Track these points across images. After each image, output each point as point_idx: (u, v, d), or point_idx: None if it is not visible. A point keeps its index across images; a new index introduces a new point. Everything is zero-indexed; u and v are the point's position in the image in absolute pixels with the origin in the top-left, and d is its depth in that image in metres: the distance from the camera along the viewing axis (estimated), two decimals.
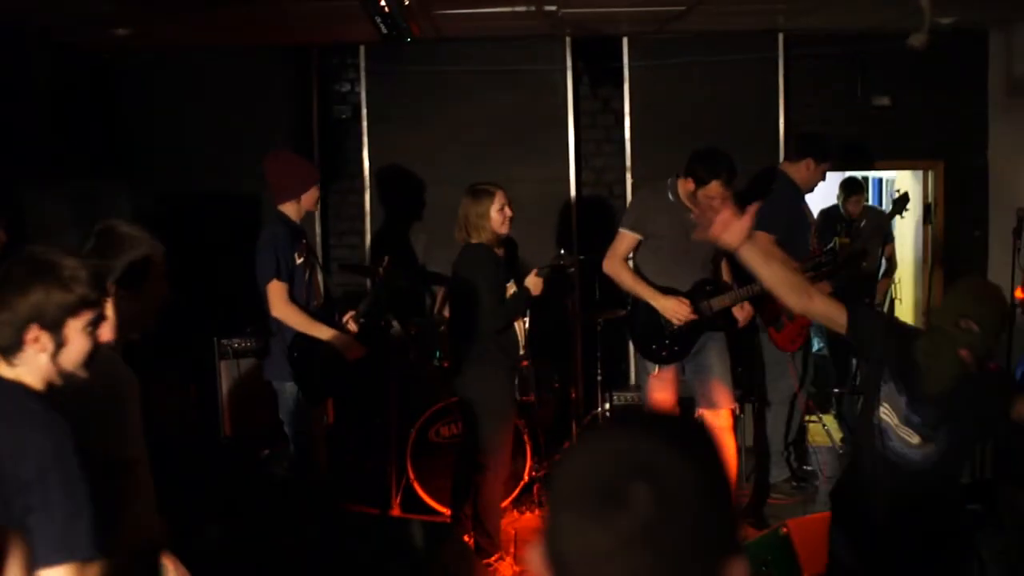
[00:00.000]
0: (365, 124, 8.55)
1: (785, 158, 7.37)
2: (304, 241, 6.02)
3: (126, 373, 3.33)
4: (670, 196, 6.30)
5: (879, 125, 8.64)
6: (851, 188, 8.77)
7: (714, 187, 6.00)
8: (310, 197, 6.07)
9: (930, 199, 8.91)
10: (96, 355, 2.84)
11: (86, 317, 2.75)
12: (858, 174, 9.81)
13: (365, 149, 8.55)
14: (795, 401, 7.30)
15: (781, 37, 8.53)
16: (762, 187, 7.11)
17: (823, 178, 7.13)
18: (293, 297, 5.82)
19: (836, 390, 8.77)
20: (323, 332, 5.83)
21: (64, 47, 7.83)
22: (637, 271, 6.43)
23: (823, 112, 8.64)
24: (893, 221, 8.67)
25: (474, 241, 5.97)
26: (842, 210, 8.72)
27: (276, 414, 6.06)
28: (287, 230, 5.92)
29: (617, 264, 6.41)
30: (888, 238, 8.99)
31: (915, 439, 3.94)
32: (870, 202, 9.66)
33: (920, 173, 9.08)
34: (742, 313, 6.47)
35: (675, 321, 6.22)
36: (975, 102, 8.68)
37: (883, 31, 8.05)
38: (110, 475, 3.04)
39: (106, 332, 2.84)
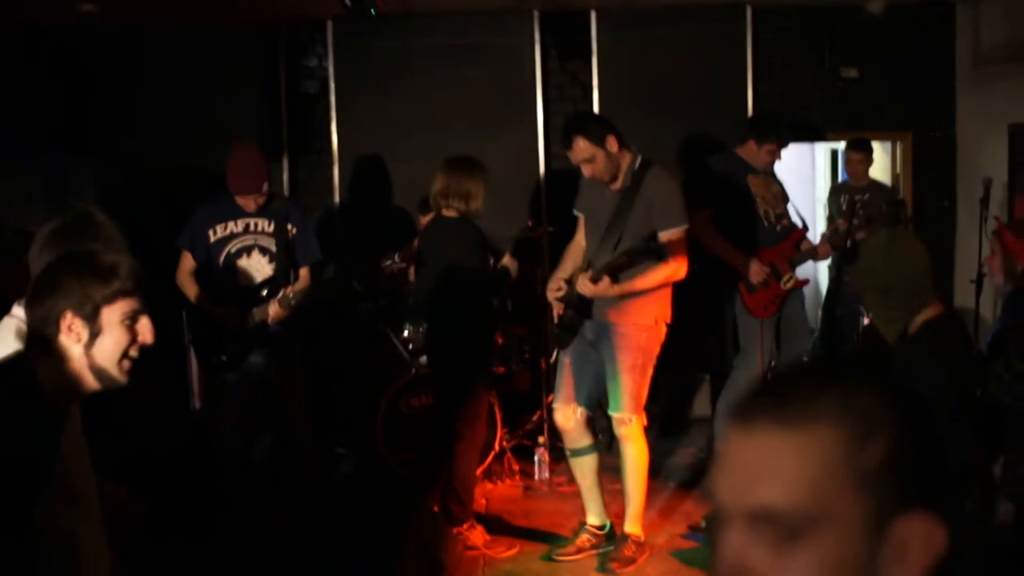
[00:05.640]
0: (333, 99, 8.51)
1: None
2: (238, 222, 6.16)
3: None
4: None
5: (847, 97, 8.66)
6: (851, 145, 8.43)
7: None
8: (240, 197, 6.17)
9: (898, 170, 8.94)
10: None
11: (122, 308, 2.72)
12: (828, 145, 9.83)
13: (333, 124, 8.52)
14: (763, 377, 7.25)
15: (749, 10, 8.52)
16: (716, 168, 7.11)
17: (772, 157, 7.05)
18: (201, 270, 6.12)
19: None
20: (193, 296, 6.15)
21: (28, 22, 7.76)
22: None
23: (791, 84, 8.65)
24: (899, 197, 8.49)
25: (462, 215, 6.03)
26: (846, 175, 8.61)
27: None
28: (213, 205, 6.22)
29: None
30: (897, 219, 8.07)
31: None
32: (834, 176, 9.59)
33: (888, 144, 9.12)
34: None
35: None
36: (942, 74, 8.71)
37: (850, 3, 8.07)
38: None
39: (147, 333, 2.78)
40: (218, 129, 7.96)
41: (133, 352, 2.76)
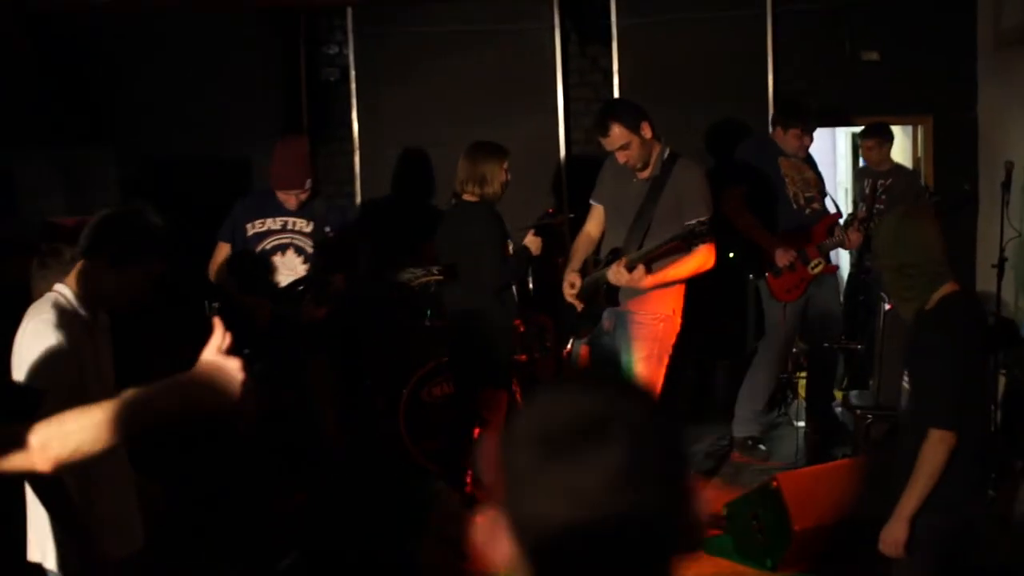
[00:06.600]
0: (353, 86, 8.51)
1: None
2: (276, 219, 6.19)
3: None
4: None
5: (867, 80, 8.61)
6: (866, 132, 8.46)
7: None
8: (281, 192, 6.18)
9: (919, 154, 8.90)
10: None
11: None
12: (849, 130, 9.78)
13: (354, 111, 8.51)
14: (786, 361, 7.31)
15: None
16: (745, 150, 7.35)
17: (799, 142, 7.16)
18: (235, 262, 6.19)
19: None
20: (225, 287, 6.23)
21: (44, 13, 7.75)
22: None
23: (811, 68, 8.61)
24: (922, 182, 8.50)
25: (481, 199, 6.03)
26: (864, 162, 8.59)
27: None
28: (254, 200, 6.31)
29: None
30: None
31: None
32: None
33: (909, 128, 9.08)
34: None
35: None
36: (964, 56, 8.65)
37: None
38: None
39: None
40: (238, 117, 8.00)
41: None
